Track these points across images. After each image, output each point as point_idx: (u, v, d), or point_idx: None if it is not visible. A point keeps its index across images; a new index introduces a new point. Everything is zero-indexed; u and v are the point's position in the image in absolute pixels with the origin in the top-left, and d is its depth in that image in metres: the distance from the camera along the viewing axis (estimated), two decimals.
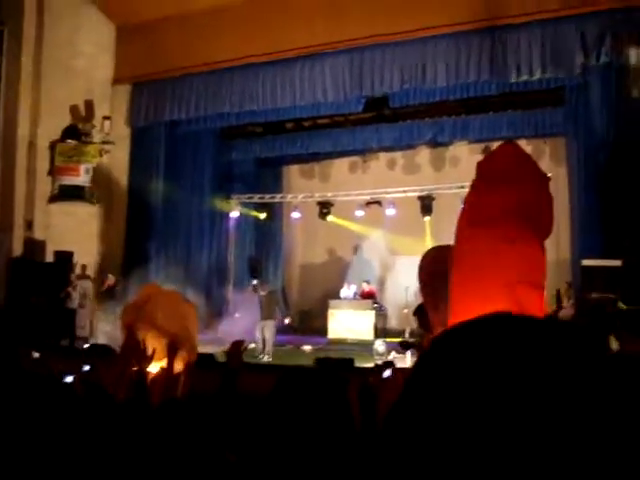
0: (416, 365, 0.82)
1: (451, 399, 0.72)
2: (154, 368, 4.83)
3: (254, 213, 22.14)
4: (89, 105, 19.06)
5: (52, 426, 3.38)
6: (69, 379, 5.08)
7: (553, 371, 0.70)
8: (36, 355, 4.87)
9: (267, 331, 15.65)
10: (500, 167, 3.77)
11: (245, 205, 21.86)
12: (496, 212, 3.59)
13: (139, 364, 4.28)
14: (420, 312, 6.05)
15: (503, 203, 3.61)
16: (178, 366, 4.86)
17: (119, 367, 4.53)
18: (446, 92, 16.98)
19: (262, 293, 16.08)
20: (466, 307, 3.56)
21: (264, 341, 15.60)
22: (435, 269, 3.98)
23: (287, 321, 17.02)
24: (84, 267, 18.40)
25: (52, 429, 3.34)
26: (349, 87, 16.81)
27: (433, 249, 4.77)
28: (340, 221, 20.76)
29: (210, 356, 11.26)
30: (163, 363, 4.90)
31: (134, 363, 4.28)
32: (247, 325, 16.93)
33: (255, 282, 16.91)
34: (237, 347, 4.32)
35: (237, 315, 18.25)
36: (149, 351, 4.58)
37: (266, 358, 15.28)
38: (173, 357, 4.84)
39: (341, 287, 19.74)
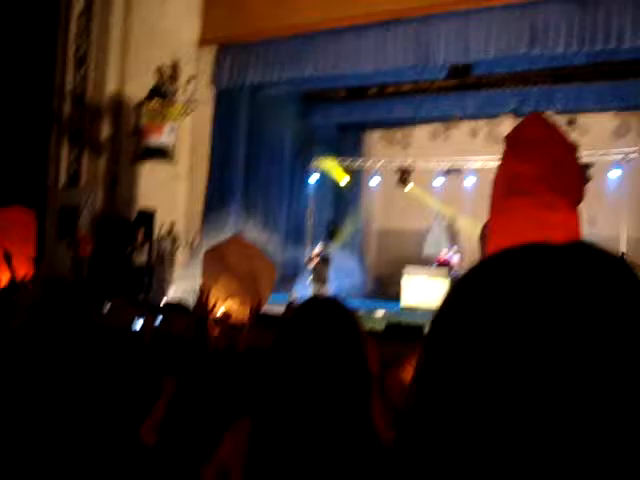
0: (446, 297, 0.79)
1: (484, 331, 0.68)
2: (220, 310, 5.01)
3: (337, 175, 22.14)
4: (175, 66, 19.33)
5: (116, 374, 3.57)
6: (139, 324, 5.31)
7: (588, 302, 0.65)
8: (108, 307, 5.07)
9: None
10: (530, 137, 3.77)
11: (326, 170, 21.92)
12: (531, 181, 3.61)
13: (203, 313, 4.44)
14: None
15: (537, 172, 3.62)
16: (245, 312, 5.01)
17: (190, 318, 4.70)
18: (531, 61, 16.67)
19: (322, 255, 16.30)
20: None
21: None
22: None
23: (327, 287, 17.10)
24: (164, 225, 18.81)
25: (116, 377, 3.54)
26: (432, 53, 16.65)
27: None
28: (419, 189, 20.64)
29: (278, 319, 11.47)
30: (230, 304, 5.06)
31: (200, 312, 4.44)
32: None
33: (319, 247, 16.98)
34: (202, 296, 4.46)
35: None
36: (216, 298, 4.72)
37: None
38: (255, 313, 4.97)
39: (418, 254, 19.76)
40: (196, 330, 4.21)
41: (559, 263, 0.70)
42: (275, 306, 10.03)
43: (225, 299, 5.34)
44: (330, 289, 18.17)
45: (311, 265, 16.42)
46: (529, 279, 0.69)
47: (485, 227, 5.00)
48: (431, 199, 20.93)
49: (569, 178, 3.73)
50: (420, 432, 0.72)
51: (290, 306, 4.51)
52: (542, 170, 3.62)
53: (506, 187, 3.72)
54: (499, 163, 3.96)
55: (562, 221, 3.59)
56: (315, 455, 1.78)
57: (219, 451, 2.03)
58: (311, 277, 16.20)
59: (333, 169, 21.67)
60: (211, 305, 4.64)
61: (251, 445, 1.92)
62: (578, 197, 3.77)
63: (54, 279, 3.99)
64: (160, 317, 5.10)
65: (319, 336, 1.87)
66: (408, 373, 3.05)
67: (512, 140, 3.89)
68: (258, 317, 5.46)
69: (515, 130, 3.97)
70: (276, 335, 2.02)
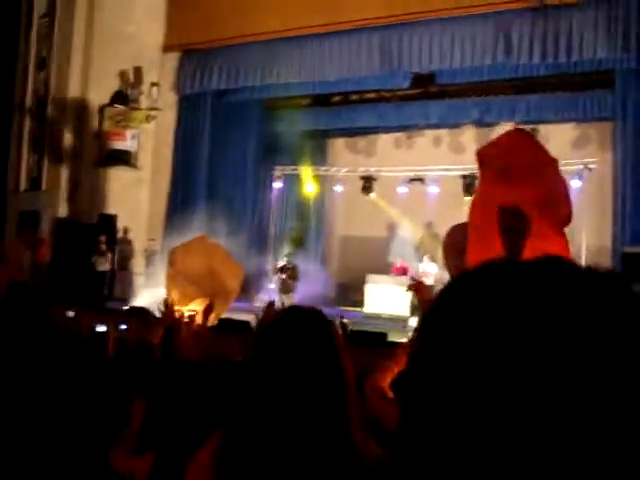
0: (427, 312, 0.78)
1: (469, 343, 0.69)
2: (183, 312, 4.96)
3: (302, 182, 22.14)
4: (138, 71, 19.25)
5: (76, 380, 3.51)
6: (101, 329, 5.24)
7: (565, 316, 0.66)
8: (71, 314, 5.01)
9: (287, 304, 15.99)
10: (518, 162, 3.74)
11: (289, 177, 21.91)
12: (522, 206, 3.58)
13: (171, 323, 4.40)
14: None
15: (525, 198, 3.60)
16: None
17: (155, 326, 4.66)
18: (495, 71, 16.86)
19: (287, 267, 16.35)
20: None
21: None
22: (459, 247, 3.99)
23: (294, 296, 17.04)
24: (126, 230, 18.67)
25: (76, 383, 3.48)
26: (396, 62, 16.77)
27: (458, 226, 4.77)
28: (381, 197, 20.70)
29: (246, 323, 11.42)
30: (193, 307, 5.02)
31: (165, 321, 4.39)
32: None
33: (283, 260, 17.00)
34: (167, 304, 4.44)
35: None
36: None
37: None
38: (207, 315, 4.93)
39: (379, 262, 19.82)
40: (165, 342, 4.16)
41: (534, 277, 0.71)
42: (238, 313, 10.00)
43: (186, 301, 5.28)
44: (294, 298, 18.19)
45: (278, 275, 16.44)
46: (510, 293, 0.70)
47: (450, 236, 4.94)
48: (393, 206, 20.98)
49: (557, 199, 3.72)
50: (414, 447, 0.71)
51: (269, 307, 4.47)
52: (532, 196, 3.60)
53: (492, 212, 3.66)
54: (481, 183, 3.89)
55: (552, 246, 3.58)
56: (290, 470, 1.76)
57: (189, 468, 1.99)
58: (277, 287, 16.25)
59: (306, 176, 21.64)
60: (178, 313, 4.59)
61: (220, 459, 1.88)
62: (567, 217, 3.77)
63: (15, 283, 3.94)
64: (123, 325, 5.06)
65: (297, 347, 1.85)
66: (385, 382, 3.03)
67: (496, 163, 3.83)
68: (221, 323, 5.43)
69: (497, 148, 3.92)
70: (253, 344, 1.99)
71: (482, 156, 3.92)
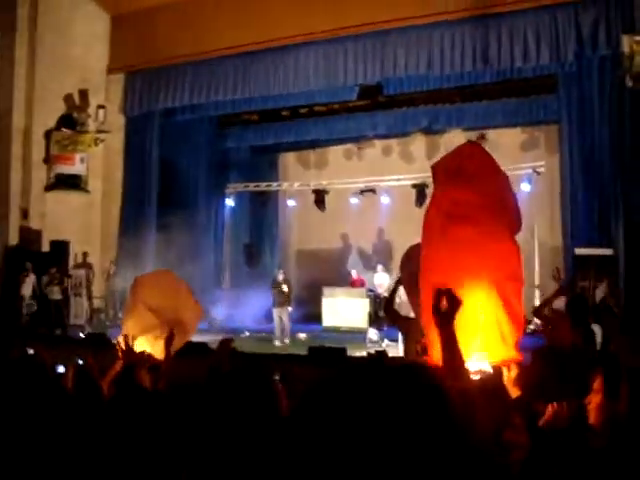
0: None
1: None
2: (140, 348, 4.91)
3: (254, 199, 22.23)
4: (84, 94, 19.07)
5: (37, 420, 3.43)
6: (61, 370, 5.15)
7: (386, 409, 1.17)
8: (31, 352, 4.92)
9: (285, 317, 16.30)
10: (469, 165, 3.79)
11: (241, 194, 21.86)
12: (470, 209, 3.63)
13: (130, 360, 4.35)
14: (387, 306, 6.20)
15: (476, 200, 3.65)
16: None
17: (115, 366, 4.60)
18: (440, 80, 17.02)
19: (280, 279, 16.43)
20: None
21: (283, 327, 16.22)
22: (416, 268, 4.01)
23: (290, 309, 17.08)
24: (84, 255, 18.48)
25: (37, 423, 3.40)
26: (342, 74, 16.86)
27: (412, 248, 4.81)
28: (334, 209, 20.72)
29: (203, 345, 11.34)
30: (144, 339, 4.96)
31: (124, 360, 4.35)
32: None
33: (280, 274, 17.02)
34: (126, 341, 4.42)
35: None
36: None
37: (287, 341, 16.03)
38: (169, 346, 4.89)
39: (336, 275, 19.89)
40: (125, 379, 4.10)
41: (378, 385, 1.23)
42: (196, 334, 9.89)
43: (139, 333, 5.19)
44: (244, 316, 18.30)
45: (274, 289, 16.49)
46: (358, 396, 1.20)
47: (409, 252, 4.98)
48: (347, 218, 21.01)
49: (508, 207, 3.77)
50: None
51: (225, 341, 4.44)
52: (484, 199, 3.65)
53: (444, 214, 3.70)
54: (434, 190, 3.94)
55: (503, 250, 3.62)
56: None
57: None
58: (273, 300, 16.33)
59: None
60: (137, 350, 4.53)
61: None
62: (517, 226, 3.82)
63: None
64: (80, 359, 4.98)
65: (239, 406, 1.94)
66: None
67: (449, 168, 3.88)
68: (182, 349, 5.37)
69: (450, 158, 3.96)
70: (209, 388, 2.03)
71: (435, 167, 3.98)
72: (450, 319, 2.78)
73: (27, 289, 16.77)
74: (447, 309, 2.80)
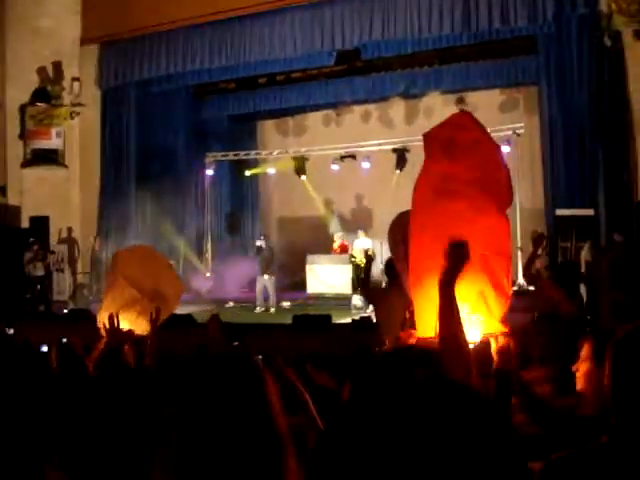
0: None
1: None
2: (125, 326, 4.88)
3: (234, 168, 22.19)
4: (57, 66, 18.80)
5: (22, 397, 3.39)
6: (44, 349, 5.12)
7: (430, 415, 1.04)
8: (10, 332, 4.87)
9: (270, 286, 16.39)
10: (461, 138, 3.76)
11: (220, 163, 21.74)
12: (461, 183, 3.61)
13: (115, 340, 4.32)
14: (388, 266, 6.14)
15: (467, 174, 3.62)
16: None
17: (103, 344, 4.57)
18: (418, 43, 16.92)
19: (264, 248, 16.43)
20: (430, 277, 3.60)
21: (266, 295, 16.29)
22: (404, 236, 4.01)
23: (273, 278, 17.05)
24: (60, 232, 18.34)
25: (22, 400, 3.36)
26: (319, 40, 16.72)
27: (402, 215, 4.78)
28: (314, 176, 20.66)
29: (188, 316, 11.33)
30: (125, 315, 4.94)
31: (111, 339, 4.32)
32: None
33: (260, 240, 16.96)
34: (112, 320, 4.40)
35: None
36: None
37: (272, 310, 16.09)
38: (155, 325, 4.86)
39: (318, 241, 19.89)
40: (110, 357, 4.07)
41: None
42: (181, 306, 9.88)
43: (119, 308, 5.15)
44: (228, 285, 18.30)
45: (257, 257, 16.49)
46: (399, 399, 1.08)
47: (397, 220, 4.96)
48: (327, 185, 20.95)
49: (500, 182, 3.74)
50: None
51: (213, 320, 4.43)
52: (475, 173, 3.62)
53: (435, 187, 3.68)
54: (425, 161, 3.91)
55: (493, 225, 3.61)
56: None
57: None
58: (258, 268, 16.33)
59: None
60: (121, 329, 4.50)
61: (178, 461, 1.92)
62: (508, 201, 3.80)
63: None
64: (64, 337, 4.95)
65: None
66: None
67: (440, 139, 3.84)
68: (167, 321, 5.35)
69: (442, 129, 3.92)
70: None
71: (426, 137, 3.95)
72: (453, 278, 2.75)
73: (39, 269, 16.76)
74: (451, 264, 2.77)
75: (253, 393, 1.92)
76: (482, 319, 3.48)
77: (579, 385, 3.31)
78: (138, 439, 2.97)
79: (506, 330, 3.38)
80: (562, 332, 3.02)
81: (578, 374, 3.33)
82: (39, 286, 16.61)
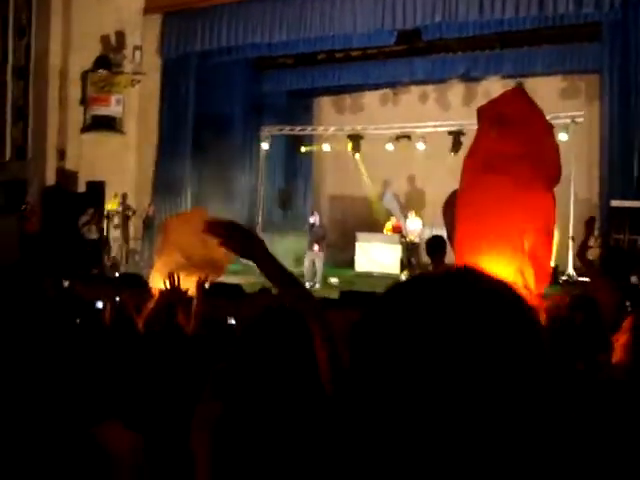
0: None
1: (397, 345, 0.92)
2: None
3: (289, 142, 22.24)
4: (120, 35, 19.02)
5: (75, 351, 3.52)
6: (99, 305, 5.27)
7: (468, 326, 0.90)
8: (65, 284, 5.00)
9: (318, 261, 16.27)
10: (510, 113, 3.76)
11: (276, 137, 21.81)
12: (509, 159, 3.61)
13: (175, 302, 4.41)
14: (432, 245, 6.15)
15: (515, 150, 3.62)
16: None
17: (153, 304, 4.67)
18: (480, 26, 16.76)
19: (316, 224, 16.40)
20: (472, 251, 3.64)
21: (315, 271, 16.22)
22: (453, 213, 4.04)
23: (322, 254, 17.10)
24: (124, 196, 18.64)
25: (75, 354, 3.49)
26: (380, 18, 16.62)
27: (455, 193, 4.81)
28: (369, 155, 20.61)
29: (237, 286, 11.45)
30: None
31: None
32: None
33: (312, 217, 16.95)
34: (172, 279, 4.46)
35: None
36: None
37: (318, 285, 15.87)
38: (201, 290, 4.95)
39: (369, 220, 19.91)
40: (166, 317, 4.16)
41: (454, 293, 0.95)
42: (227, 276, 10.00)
43: (170, 270, 5.23)
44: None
45: (311, 231, 16.55)
46: (432, 305, 0.94)
47: (451, 197, 4.98)
48: (382, 164, 20.90)
49: (548, 158, 3.73)
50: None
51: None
52: (523, 149, 3.62)
53: (483, 162, 3.69)
54: (476, 136, 3.92)
55: (538, 202, 3.61)
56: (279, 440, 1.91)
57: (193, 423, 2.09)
58: (310, 243, 16.35)
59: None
60: (182, 289, 4.59)
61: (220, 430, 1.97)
62: (556, 177, 3.79)
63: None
64: (118, 297, 5.07)
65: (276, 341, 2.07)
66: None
67: (490, 114, 3.85)
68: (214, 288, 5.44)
69: (494, 103, 3.93)
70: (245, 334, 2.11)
71: (480, 111, 3.96)
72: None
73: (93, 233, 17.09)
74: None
75: (303, 349, 1.99)
76: None
77: (616, 356, 3.35)
78: (181, 393, 3.06)
79: (542, 307, 3.39)
80: (595, 317, 3.03)
81: (617, 344, 3.36)
82: (93, 250, 16.94)
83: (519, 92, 4.01)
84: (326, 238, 16.78)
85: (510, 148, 3.63)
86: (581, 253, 6.24)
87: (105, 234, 17.79)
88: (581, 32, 16.82)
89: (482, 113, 3.94)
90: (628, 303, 4.71)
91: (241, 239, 2.14)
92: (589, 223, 5.69)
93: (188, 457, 2.17)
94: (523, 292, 3.04)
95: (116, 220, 18.42)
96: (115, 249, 18.27)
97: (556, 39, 17.46)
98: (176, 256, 5.54)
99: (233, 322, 5.68)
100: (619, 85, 15.03)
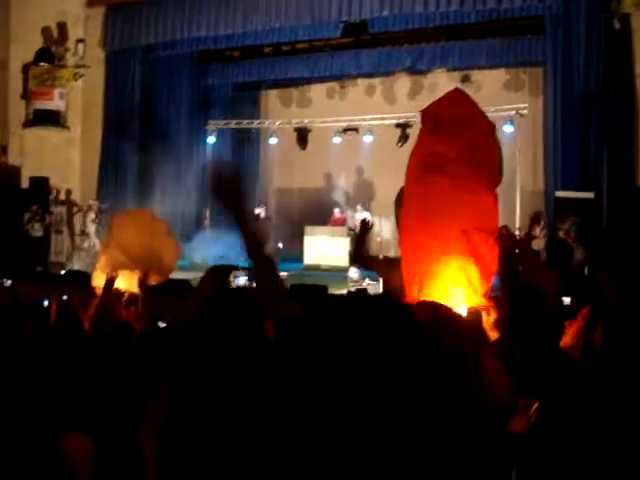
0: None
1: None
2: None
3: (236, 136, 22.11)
4: (62, 27, 18.68)
5: (14, 351, 3.44)
6: (45, 304, 5.18)
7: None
8: (7, 283, 4.90)
9: None
10: (452, 115, 3.79)
11: (222, 131, 21.67)
12: (451, 161, 3.64)
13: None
14: (357, 253, 6.18)
15: (451, 152, 3.66)
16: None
17: (96, 304, 4.62)
18: (426, 18, 16.85)
19: (262, 217, 16.31)
20: (416, 250, 3.68)
21: None
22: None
23: (280, 246, 17.04)
24: (59, 193, 18.33)
25: (14, 354, 3.41)
26: (326, 10, 16.59)
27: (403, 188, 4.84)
28: (316, 148, 20.60)
29: (185, 282, 11.36)
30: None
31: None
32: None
33: (259, 208, 16.82)
34: (108, 281, 4.44)
35: None
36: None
37: None
38: (143, 287, 4.91)
39: (317, 213, 19.89)
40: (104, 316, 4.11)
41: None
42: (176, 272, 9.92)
43: (111, 269, 5.18)
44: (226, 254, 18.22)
45: (257, 223, 16.43)
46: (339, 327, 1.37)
47: (401, 193, 5.00)
48: (329, 157, 20.90)
49: (488, 160, 3.76)
50: None
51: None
52: (463, 151, 3.65)
53: (424, 162, 3.73)
54: (418, 136, 3.95)
55: (478, 203, 3.64)
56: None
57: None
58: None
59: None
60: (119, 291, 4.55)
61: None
62: (497, 178, 3.82)
63: None
64: (65, 296, 4.99)
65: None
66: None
67: (432, 116, 3.88)
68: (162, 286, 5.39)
69: (435, 106, 3.95)
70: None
71: (423, 113, 3.98)
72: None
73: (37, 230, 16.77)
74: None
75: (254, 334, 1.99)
76: (463, 292, 3.54)
77: (566, 339, 3.43)
78: (129, 390, 3.02)
79: (489, 305, 3.42)
80: (537, 305, 3.07)
81: (568, 328, 3.45)
82: (37, 247, 16.65)
83: (459, 95, 4.02)
84: (272, 230, 16.68)
85: (446, 149, 3.67)
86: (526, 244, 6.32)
87: (49, 231, 17.48)
88: (525, 25, 17.02)
89: (424, 115, 3.98)
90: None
91: (232, 192, 2.26)
92: (534, 220, 5.78)
93: (140, 457, 2.14)
94: (467, 289, 3.11)
95: (59, 216, 18.11)
96: (60, 246, 17.99)
97: (501, 32, 17.65)
98: (119, 255, 5.48)
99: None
100: (562, 77, 15.21)
